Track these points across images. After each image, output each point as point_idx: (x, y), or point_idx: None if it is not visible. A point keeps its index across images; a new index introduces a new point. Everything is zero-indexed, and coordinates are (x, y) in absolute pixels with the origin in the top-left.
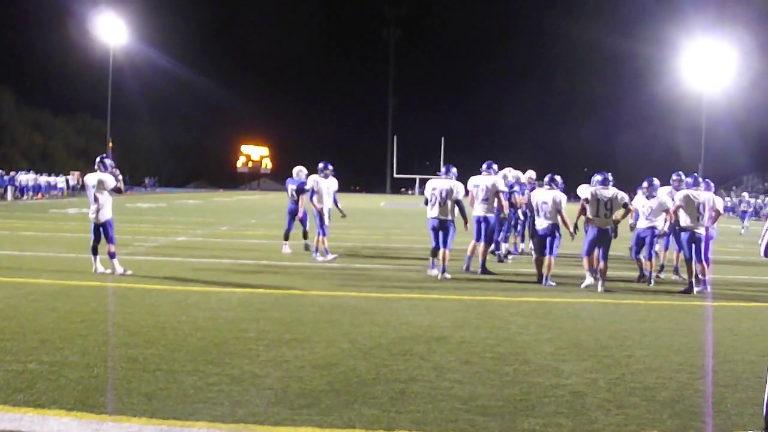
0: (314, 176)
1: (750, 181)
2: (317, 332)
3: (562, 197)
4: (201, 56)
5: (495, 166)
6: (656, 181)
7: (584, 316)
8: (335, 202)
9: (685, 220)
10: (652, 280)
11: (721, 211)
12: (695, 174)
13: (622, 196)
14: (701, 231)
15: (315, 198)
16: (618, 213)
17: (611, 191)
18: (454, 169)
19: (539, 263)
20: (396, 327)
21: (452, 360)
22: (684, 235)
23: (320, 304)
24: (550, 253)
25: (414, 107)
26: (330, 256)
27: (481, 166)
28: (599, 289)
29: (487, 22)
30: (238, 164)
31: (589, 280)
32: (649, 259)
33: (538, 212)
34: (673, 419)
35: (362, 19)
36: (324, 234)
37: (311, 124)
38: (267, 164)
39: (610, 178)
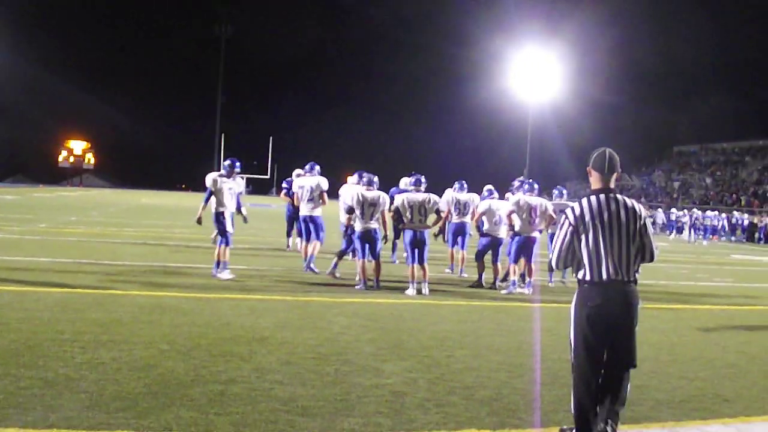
0: (213, 174)
1: (573, 187)
2: (136, 333)
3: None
4: (21, 42)
5: (318, 168)
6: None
7: (406, 317)
8: (239, 207)
9: (518, 224)
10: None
11: (554, 215)
12: (531, 180)
13: (435, 200)
14: (535, 235)
15: (214, 200)
16: (430, 219)
17: (423, 195)
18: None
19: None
20: (216, 328)
21: (273, 361)
22: (518, 239)
23: (140, 304)
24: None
25: (243, 106)
26: (225, 274)
27: (304, 167)
28: (424, 291)
29: (317, 21)
30: (60, 158)
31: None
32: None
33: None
34: (491, 417)
35: (193, 15)
36: (227, 243)
37: (138, 120)
38: (90, 159)
39: (423, 180)
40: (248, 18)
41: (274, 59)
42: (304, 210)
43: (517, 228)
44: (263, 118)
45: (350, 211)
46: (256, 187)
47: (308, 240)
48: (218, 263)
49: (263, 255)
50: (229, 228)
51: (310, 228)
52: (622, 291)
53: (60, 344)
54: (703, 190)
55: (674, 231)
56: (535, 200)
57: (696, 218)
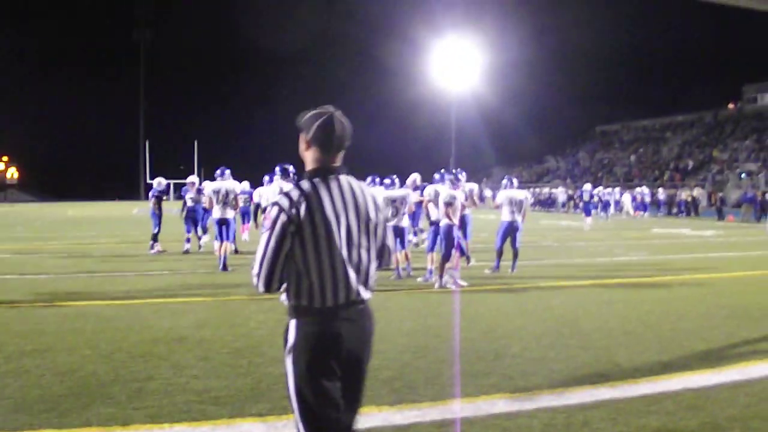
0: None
1: (497, 174)
2: (59, 341)
3: None
4: None
5: (228, 172)
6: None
7: None
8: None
9: (434, 213)
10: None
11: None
12: (442, 171)
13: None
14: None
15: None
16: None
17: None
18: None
19: None
20: (138, 331)
21: (190, 358)
22: (434, 228)
23: (64, 314)
24: None
25: (167, 111)
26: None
27: (215, 171)
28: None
29: (237, 24)
30: None
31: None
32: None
33: None
34: (390, 395)
35: (112, 20)
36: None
37: (58, 131)
38: (13, 174)
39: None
40: (167, 23)
41: (195, 63)
42: (218, 213)
43: (434, 218)
44: (188, 122)
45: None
46: (178, 192)
47: (221, 241)
48: None
49: (184, 259)
50: None
51: (223, 230)
52: (361, 316)
53: None
54: (626, 167)
55: (599, 209)
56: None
57: (615, 195)
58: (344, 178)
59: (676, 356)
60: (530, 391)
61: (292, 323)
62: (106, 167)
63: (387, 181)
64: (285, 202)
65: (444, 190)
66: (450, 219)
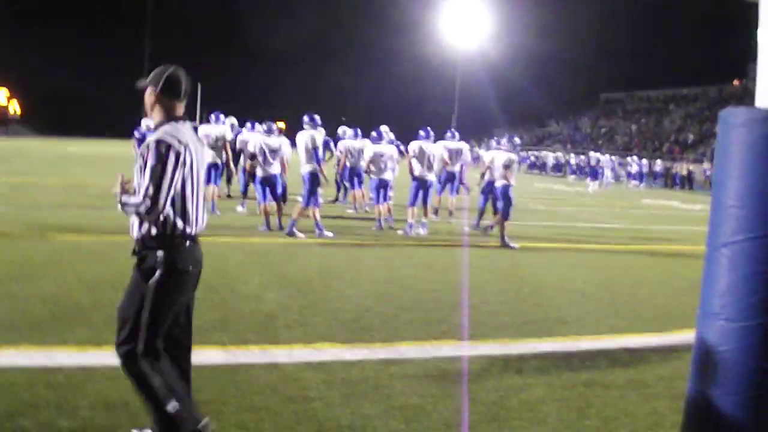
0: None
1: (501, 134)
2: (47, 271)
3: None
4: None
5: (222, 117)
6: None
7: (298, 254)
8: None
9: (417, 169)
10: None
11: (448, 161)
12: (428, 128)
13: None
14: (431, 178)
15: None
16: None
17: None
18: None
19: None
20: (124, 265)
21: None
22: (416, 183)
23: (55, 246)
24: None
25: (172, 52)
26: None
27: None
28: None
29: None
30: None
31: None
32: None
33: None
34: (346, 333)
35: None
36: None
37: (61, 68)
38: (15, 109)
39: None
40: None
41: (202, 5)
42: (208, 157)
43: (416, 173)
44: (192, 64)
45: (252, 157)
46: None
47: (210, 184)
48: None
49: None
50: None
51: (212, 174)
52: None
53: None
54: (627, 137)
55: (599, 176)
56: (432, 147)
57: (613, 163)
58: (188, 124)
59: (624, 319)
60: (476, 340)
61: (160, 253)
62: (109, 105)
63: (374, 134)
64: (174, 141)
65: (500, 154)
66: (508, 180)
